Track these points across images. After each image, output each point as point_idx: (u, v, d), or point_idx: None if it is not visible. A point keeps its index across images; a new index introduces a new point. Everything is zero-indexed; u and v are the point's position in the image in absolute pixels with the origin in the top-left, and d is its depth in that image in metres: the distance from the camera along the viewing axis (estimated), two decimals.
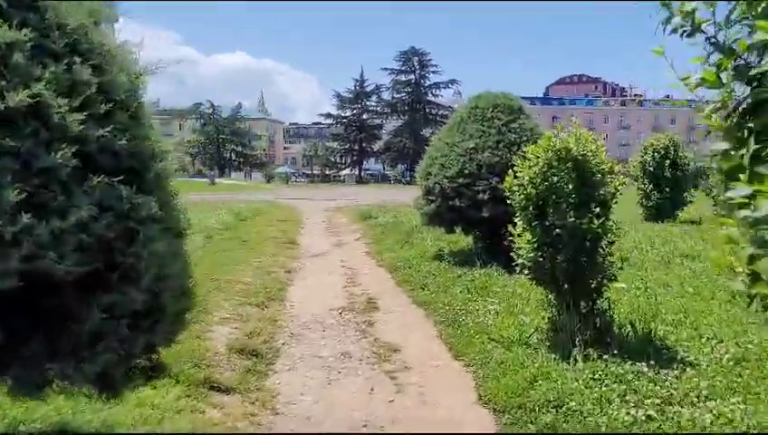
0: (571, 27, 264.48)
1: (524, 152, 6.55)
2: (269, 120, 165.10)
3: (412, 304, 9.30)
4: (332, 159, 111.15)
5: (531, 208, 6.35)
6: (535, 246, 6.30)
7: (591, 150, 6.29)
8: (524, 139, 11.47)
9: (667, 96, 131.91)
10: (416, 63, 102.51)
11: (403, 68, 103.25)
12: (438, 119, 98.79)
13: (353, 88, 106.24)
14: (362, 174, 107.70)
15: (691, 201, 21.16)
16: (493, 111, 11.89)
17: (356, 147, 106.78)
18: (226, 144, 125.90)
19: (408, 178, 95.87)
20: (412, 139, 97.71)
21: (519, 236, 6.52)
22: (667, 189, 20.01)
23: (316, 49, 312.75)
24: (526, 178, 6.30)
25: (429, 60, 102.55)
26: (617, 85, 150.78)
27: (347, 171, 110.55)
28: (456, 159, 11.64)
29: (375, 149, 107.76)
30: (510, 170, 6.63)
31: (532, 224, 6.33)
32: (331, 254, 14.92)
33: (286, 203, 35.50)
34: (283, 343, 7.43)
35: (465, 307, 8.50)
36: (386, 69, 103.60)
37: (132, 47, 3.03)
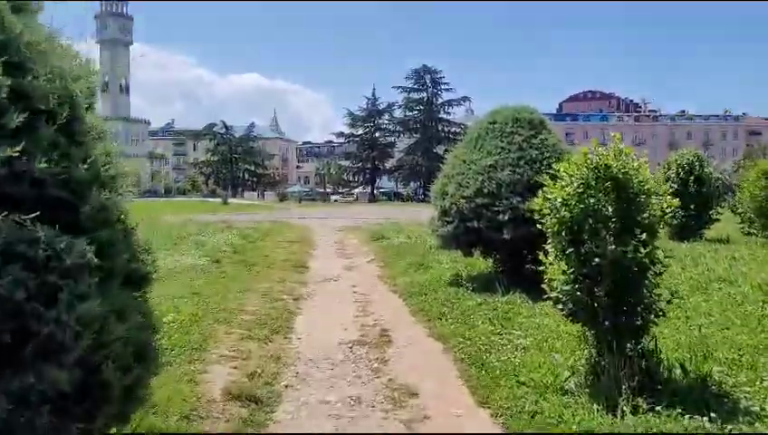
0: (582, 43, 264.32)
1: (555, 170, 5.78)
2: (282, 140, 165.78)
3: (429, 337, 8.48)
4: (345, 178, 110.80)
5: (564, 234, 5.56)
6: (571, 277, 5.51)
7: (633, 168, 5.51)
8: (547, 155, 10.73)
9: (683, 111, 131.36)
10: (428, 81, 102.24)
11: (415, 86, 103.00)
12: (451, 136, 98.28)
13: (365, 106, 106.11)
14: (375, 192, 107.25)
15: (717, 219, 20.26)
16: (513, 126, 11.14)
17: (368, 165, 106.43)
18: (239, 163, 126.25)
19: (422, 196, 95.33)
20: (425, 157, 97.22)
21: (551, 264, 5.74)
22: (692, 207, 19.07)
23: (328, 69, 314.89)
24: (559, 199, 5.53)
25: (441, 77, 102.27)
26: (630, 101, 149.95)
27: (359, 189, 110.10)
28: (473, 178, 10.89)
29: (387, 167, 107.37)
30: (540, 191, 5.86)
31: (567, 252, 5.55)
32: (342, 278, 14.15)
33: (298, 223, 34.88)
34: (287, 386, 6.63)
35: (488, 342, 7.69)
36: (398, 87, 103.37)
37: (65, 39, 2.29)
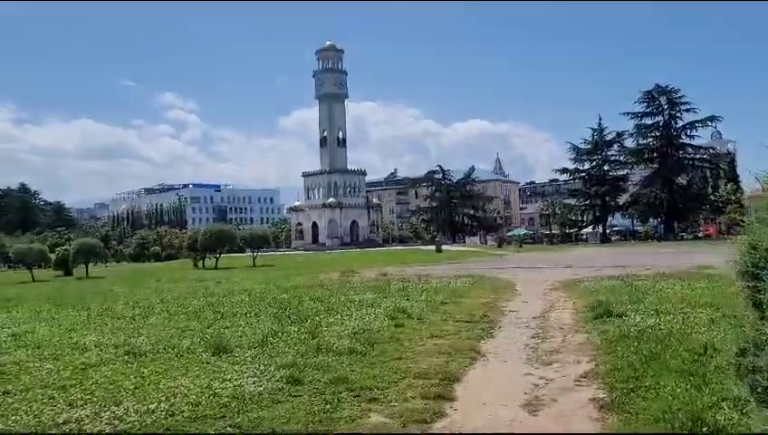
0: None
1: None
2: (503, 181, 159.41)
3: None
4: (572, 217, 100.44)
5: None
6: None
7: None
8: None
9: None
10: (663, 103, 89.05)
11: (648, 109, 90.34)
12: (696, 163, 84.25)
13: (591, 138, 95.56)
14: (607, 231, 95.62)
15: None
16: None
17: (597, 202, 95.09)
18: (458, 208, 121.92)
19: (661, 234, 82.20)
20: (664, 189, 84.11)
21: None
22: None
23: (550, 106, 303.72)
24: None
25: (680, 97, 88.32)
26: None
27: (589, 229, 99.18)
28: None
29: (620, 203, 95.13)
30: None
31: None
32: None
33: (500, 277, 27.03)
34: None
35: None
36: (627, 113, 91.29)
37: None
